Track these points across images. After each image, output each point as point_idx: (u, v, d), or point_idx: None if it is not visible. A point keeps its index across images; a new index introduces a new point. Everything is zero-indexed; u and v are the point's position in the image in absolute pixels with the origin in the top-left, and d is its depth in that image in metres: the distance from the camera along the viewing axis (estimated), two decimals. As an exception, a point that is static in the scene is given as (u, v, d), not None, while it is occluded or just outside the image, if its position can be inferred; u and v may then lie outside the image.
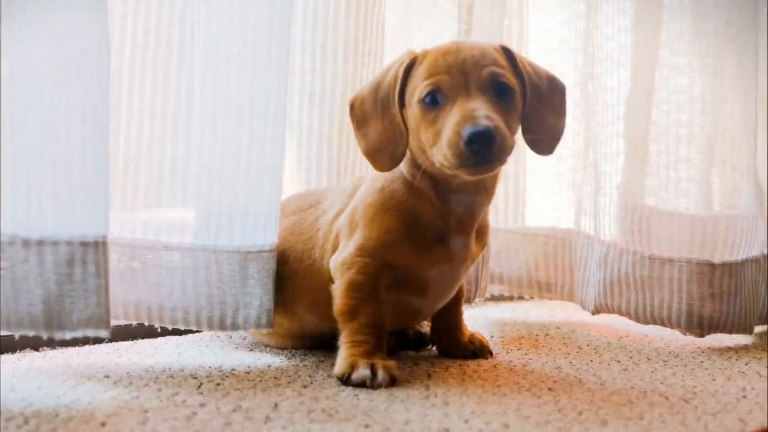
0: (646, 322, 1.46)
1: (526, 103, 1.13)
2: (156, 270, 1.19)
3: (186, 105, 1.22)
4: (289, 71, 1.22)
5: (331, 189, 1.29)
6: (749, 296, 1.46)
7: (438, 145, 1.06)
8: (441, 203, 1.14)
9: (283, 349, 1.30)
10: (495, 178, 1.17)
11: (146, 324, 1.21)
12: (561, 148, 1.62)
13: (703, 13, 1.47)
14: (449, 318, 1.28)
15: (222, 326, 1.20)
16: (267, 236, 1.20)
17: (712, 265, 1.42)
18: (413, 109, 1.10)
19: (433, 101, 1.08)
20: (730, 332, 1.44)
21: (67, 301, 1.03)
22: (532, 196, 1.69)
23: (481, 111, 1.04)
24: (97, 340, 1.29)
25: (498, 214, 1.63)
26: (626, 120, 1.49)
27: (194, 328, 1.21)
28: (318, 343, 1.27)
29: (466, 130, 1.02)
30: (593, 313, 1.51)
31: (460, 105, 1.05)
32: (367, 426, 0.92)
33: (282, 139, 1.20)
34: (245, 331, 1.32)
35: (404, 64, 1.12)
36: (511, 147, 1.06)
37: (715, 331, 1.42)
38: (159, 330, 1.31)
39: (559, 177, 1.67)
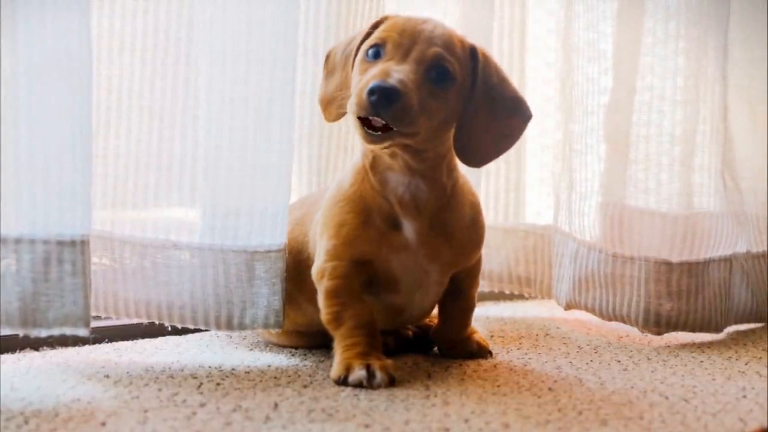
0: (609, 319, 1.47)
1: (470, 107, 1.11)
2: (165, 268, 1.19)
3: (193, 104, 1.22)
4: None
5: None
6: (716, 295, 1.46)
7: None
8: (380, 183, 1.14)
9: (292, 347, 1.30)
10: (433, 167, 1.13)
11: (156, 322, 1.21)
12: (545, 144, 1.65)
13: (685, 14, 1.47)
14: (454, 323, 1.27)
15: (229, 326, 1.20)
16: (275, 236, 1.20)
17: (669, 264, 1.43)
18: (357, 58, 1.11)
19: (375, 55, 1.09)
20: (692, 331, 1.45)
21: (43, 299, 1.03)
22: (516, 192, 1.69)
23: (398, 74, 1.04)
24: (97, 340, 1.29)
25: (488, 211, 1.63)
26: (605, 118, 1.49)
27: (202, 327, 1.22)
28: (326, 342, 1.26)
29: (373, 82, 1.02)
30: (565, 309, 1.53)
31: (388, 65, 1.06)
32: (367, 426, 0.92)
33: (290, 139, 1.21)
34: (253, 331, 1.32)
35: (374, 22, 1.14)
36: (414, 120, 1.03)
37: (675, 330, 1.44)
38: (159, 329, 1.31)
39: (540, 172, 1.68)
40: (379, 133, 1.04)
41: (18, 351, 1.22)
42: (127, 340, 1.32)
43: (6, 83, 1.02)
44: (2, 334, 1.12)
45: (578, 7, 1.51)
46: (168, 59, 1.22)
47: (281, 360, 1.23)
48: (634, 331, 1.50)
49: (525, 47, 1.63)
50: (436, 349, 1.30)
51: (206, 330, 1.31)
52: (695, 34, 1.48)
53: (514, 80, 1.55)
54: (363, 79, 1.05)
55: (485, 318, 1.59)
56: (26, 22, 1.02)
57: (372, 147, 1.09)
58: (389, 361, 1.11)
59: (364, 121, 1.04)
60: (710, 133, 1.51)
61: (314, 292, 1.17)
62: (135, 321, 1.27)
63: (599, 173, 1.50)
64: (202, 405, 0.98)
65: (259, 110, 1.19)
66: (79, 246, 1.05)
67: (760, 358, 1.33)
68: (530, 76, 1.65)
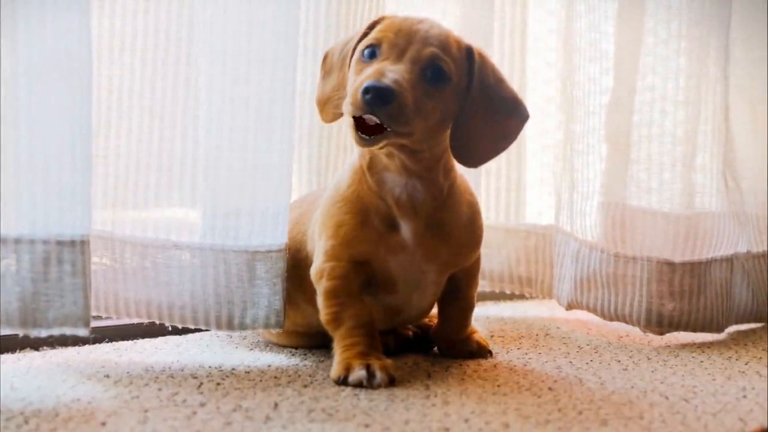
0: (611, 319, 1.47)
1: (467, 108, 1.11)
2: (166, 268, 1.19)
3: (194, 104, 1.22)
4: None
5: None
6: (718, 295, 1.47)
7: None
8: (377, 184, 1.14)
9: (292, 347, 1.30)
10: (430, 167, 1.13)
11: (156, 322, 1.22)
12: (546, 143, 1.65)
13: (687, 14, 1.47)
14: (453, 323, 1.26)
15: (230, 326, 1.20)
16: (275, 236, 1.20)
17: (671, 264, 1.43)
18: (353, 59, 1.11)
19: (371, 55, 1.09)
20: (694, 331, 1.45)
21: (43, 299, 1.03)
22: (517, 192, 1.69)
23: (392, 74, 1.03)
24: (97, 340, 1.29)
25: (489, 210, 1.64)
26: (606, 118, 1.49)
27: (203, 327, 1.22)
28: (326, 342, 1.26)
29: (367, 82, 1.02)
30: (567, 309, 1.53)
31: (383, 65, 1.06)
32: (367, 426, 0.92)
33: (290, 139, 1.21)
34: (253, 331, 1.32)
35: (370, 22, 1.14)
36: (409, 120, 1.03)
37: (677, 330, 1.44)
38: (159, 329, 1.31)
39: (541, 172, 1.68)
40: (373, 136, 1.04)
41: (18, 351, 1.22)
42: (127, 340, 1.32)
43: (6, 83, 1.02)
44: (2, 334, 1.12)
45: (579, 7, 1.51)
46: (168, 59, 1.22)
47: (281, 360, 1.23)
48: (634, 331, 1.49)
49: (526, 47, 1.63)
50: (436, 349, 1.30)
51: (206, 330, 1.31)
52: (697, 35, 1.48)
53: (515, 80, 1.56)
54: (358, 79, 1.05)
55: (485, 318, 1.59)
56: (26, 22, 1.02)
57: (366, 148, 1.10)
58: (389, 361, 1.11)
59: (359, 121, 1.04)
60: (712, 134, 1.51)
61: (313, 291, 1.17)
62: (135, 321, 1.28)
63: (601, 173, 1.50)
64: (202, 405, 0.98)
65: (259, 110, 1.19)
66: (79, 246, 1.05)
67: (761, 358, 1.33)
68: (531, 76, 1.65)
